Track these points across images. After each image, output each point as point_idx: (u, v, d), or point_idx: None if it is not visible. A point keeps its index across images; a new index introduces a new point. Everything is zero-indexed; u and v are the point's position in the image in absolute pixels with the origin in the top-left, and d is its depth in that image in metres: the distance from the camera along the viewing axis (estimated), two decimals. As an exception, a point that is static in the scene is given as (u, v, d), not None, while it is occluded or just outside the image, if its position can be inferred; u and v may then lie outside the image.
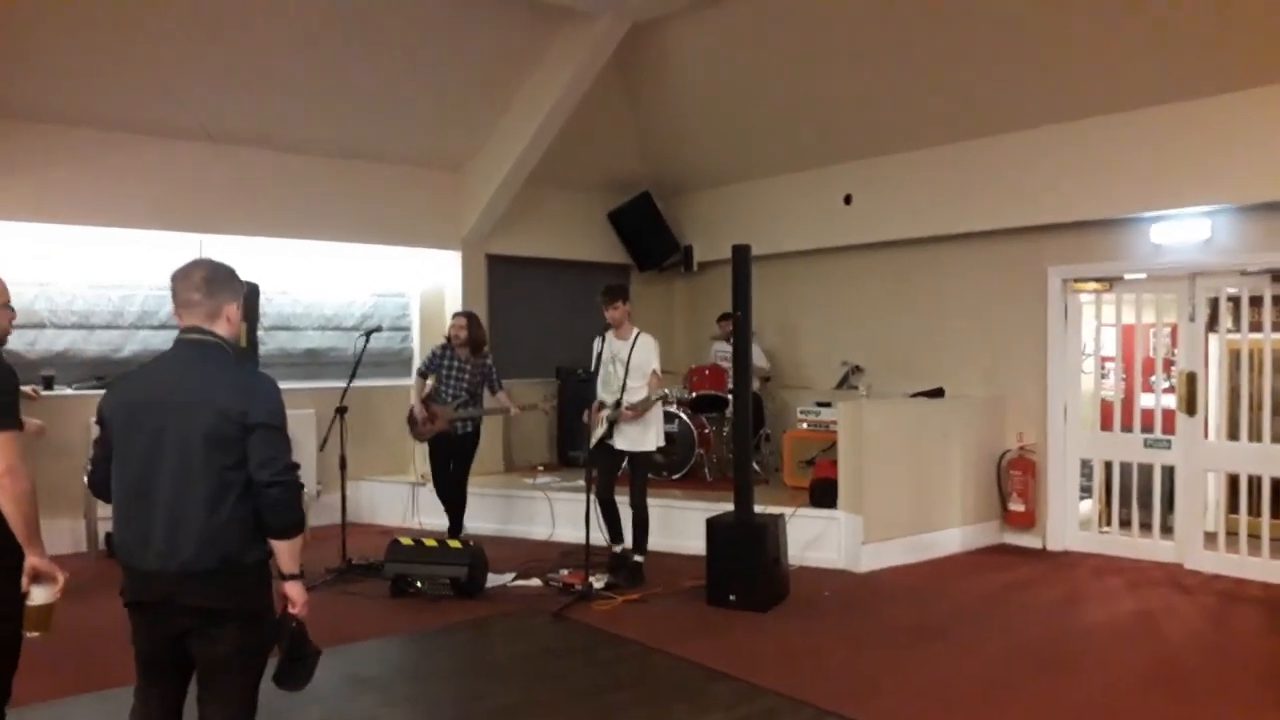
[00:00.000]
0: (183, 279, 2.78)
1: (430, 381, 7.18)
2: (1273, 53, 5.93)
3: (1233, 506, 6.77)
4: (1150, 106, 6.63)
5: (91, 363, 7.75)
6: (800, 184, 9.03)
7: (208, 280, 2.77)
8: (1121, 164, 6.81)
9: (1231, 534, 6.71)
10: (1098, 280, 7.38)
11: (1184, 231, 6.81)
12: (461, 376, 7.15)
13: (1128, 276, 7.27)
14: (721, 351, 8.92)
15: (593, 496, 6.30)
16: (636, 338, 6.45)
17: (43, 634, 2.79)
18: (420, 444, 7.58)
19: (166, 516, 2.62)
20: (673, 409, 8.58)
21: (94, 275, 7.84)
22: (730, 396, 8.17)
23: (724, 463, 8.64)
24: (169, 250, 7.76)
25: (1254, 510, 6.64)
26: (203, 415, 2.63)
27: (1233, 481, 6.77)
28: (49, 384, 7.40)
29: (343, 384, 7.02)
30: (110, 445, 2.72)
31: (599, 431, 6.41)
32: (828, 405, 8.11)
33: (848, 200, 8.63)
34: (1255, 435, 6.67)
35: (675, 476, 8.54)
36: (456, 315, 7.45)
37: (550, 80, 8.16)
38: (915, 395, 7.93)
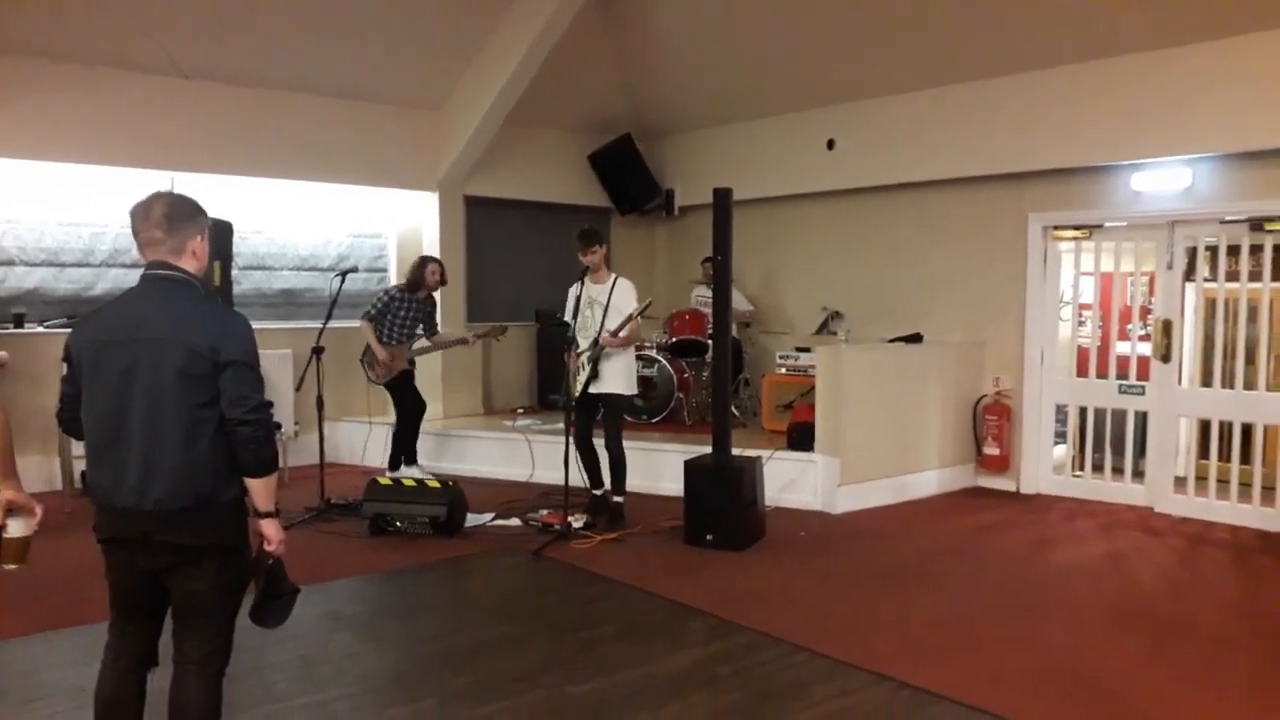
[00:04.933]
0: (142, 217, 2.70)
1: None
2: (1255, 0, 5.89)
3: (1203, 452, 6.87)
4: (1132, 53, 6.59)
5: (63, 301, 7.64)
6: (783, 128, 8.94)
7: (168, 217, 2.69)
8: (1103, 111, 6.78)
9: (1201, 479, 6.83)
10: (1077, 228, 7.38)
11: (1164, 180, 6.81)
12: (417, 319, 7.46)
13: (1108, 224, 7.27)
14: (701, 296, 8.90)
15: (571, 441, 6.30)
16: (615, 282, 6.40)
17: (20, 567, 2.79)
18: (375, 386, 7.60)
19: (140, 455, 2.59)
20: (652, 353, 8.59)
21: (64, 212, 7.69)
22: (710, 341, 8.18)
23: (703, 406, 8.66)
24: (141, 187, 7.55)
25: (1224, 455, 6.75)
26: (174, 352, 2.59)
27: (1204, 427, 6.87)
28: (19, 322, 7.32)
29: (319, 324, 6.97)
30: (78, 383, 2.68)
31: (581, 378, 6.36)
32: (806, 350, 8.13)
33: (830, 145, 8.56)
34: (1228, 382, 6.75)
35: (654, 420, 8.57)
36: (431, 261, 7.52)
37: (530, 17, 7.97)
38: (893, 340, 7.96)
